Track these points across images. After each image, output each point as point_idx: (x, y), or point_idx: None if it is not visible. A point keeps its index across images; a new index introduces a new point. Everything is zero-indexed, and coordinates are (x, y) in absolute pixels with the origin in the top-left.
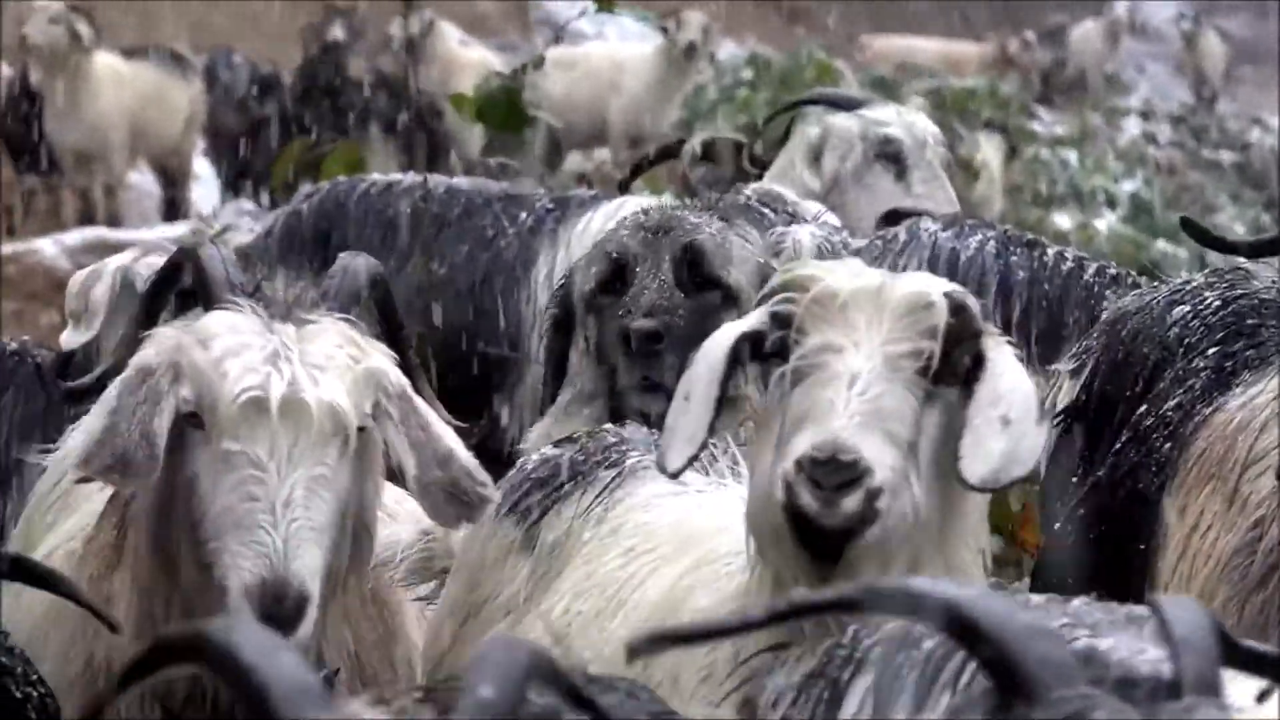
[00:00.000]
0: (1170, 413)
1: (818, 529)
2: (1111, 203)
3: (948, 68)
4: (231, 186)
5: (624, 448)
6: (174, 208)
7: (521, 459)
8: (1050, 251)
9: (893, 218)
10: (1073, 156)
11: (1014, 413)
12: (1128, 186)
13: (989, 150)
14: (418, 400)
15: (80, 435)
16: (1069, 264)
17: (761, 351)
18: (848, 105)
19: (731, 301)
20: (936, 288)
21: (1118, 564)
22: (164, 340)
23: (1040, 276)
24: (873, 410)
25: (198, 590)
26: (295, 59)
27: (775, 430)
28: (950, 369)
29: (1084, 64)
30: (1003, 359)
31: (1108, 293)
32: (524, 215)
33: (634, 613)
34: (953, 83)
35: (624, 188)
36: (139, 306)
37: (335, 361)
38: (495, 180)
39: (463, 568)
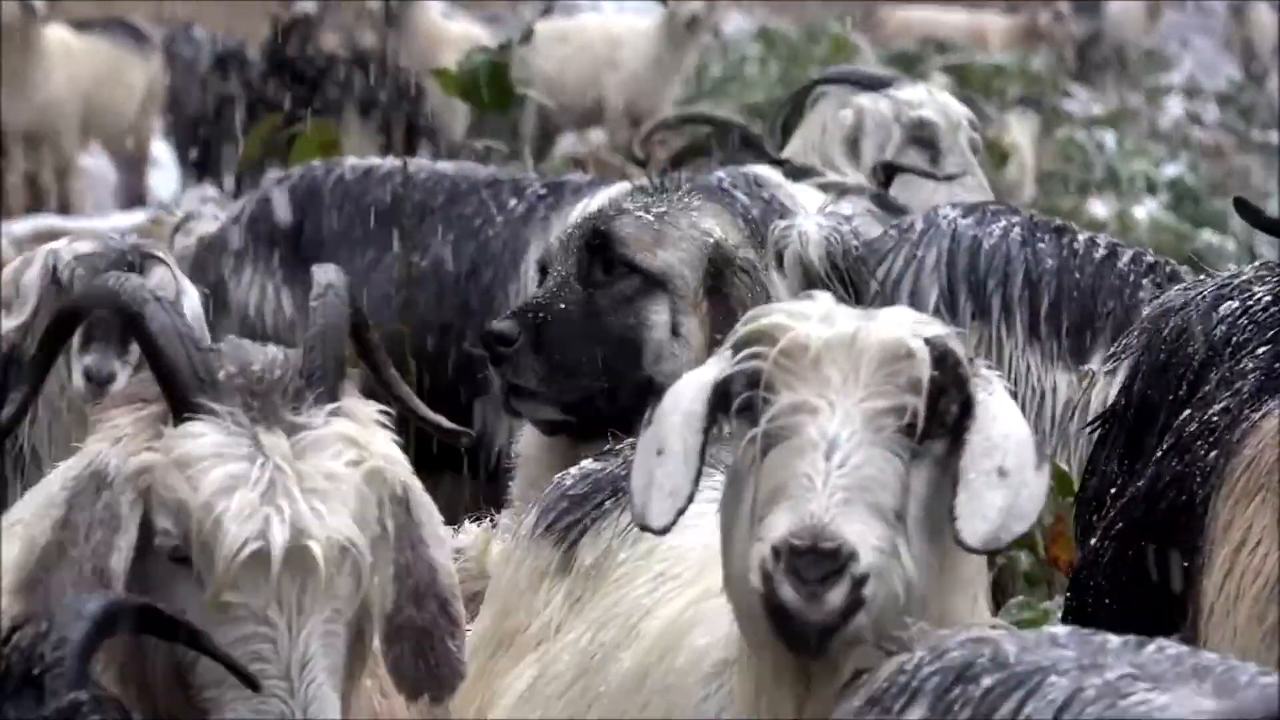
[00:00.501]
0: (1216, 418)
1: (800, 624)
2: (1152, 189)
3: (973, 42)
4: (193, 171)
5: None
6: (131, 194)
7: (559, 475)
8: (1081, 238)
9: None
10: (1110, 138)
11: (1010, 462)
12: (1170, 171)
13: (1019, 132)
14: (418, 500)
15: (15, 545)
16: (1101, 251)
17: (727, 404)
18: (874, 85)
19: (657, 286)
20: (916, 333)
21: (1159, 583)
22: (125, 445)
23: (1070, 265)
24: (854, 484)
25: None
26: (262, 32)
27: (748, 498)
28: (937, 419)
29: (1122, 37)
30: (994, 402)
31: (1144, 282)
32: (513, 202)
33: (639, 644)
34: (979, 58)
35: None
36: (29, 375)
37: (338, 481)
38: (481, 164)
39: (496, 594)
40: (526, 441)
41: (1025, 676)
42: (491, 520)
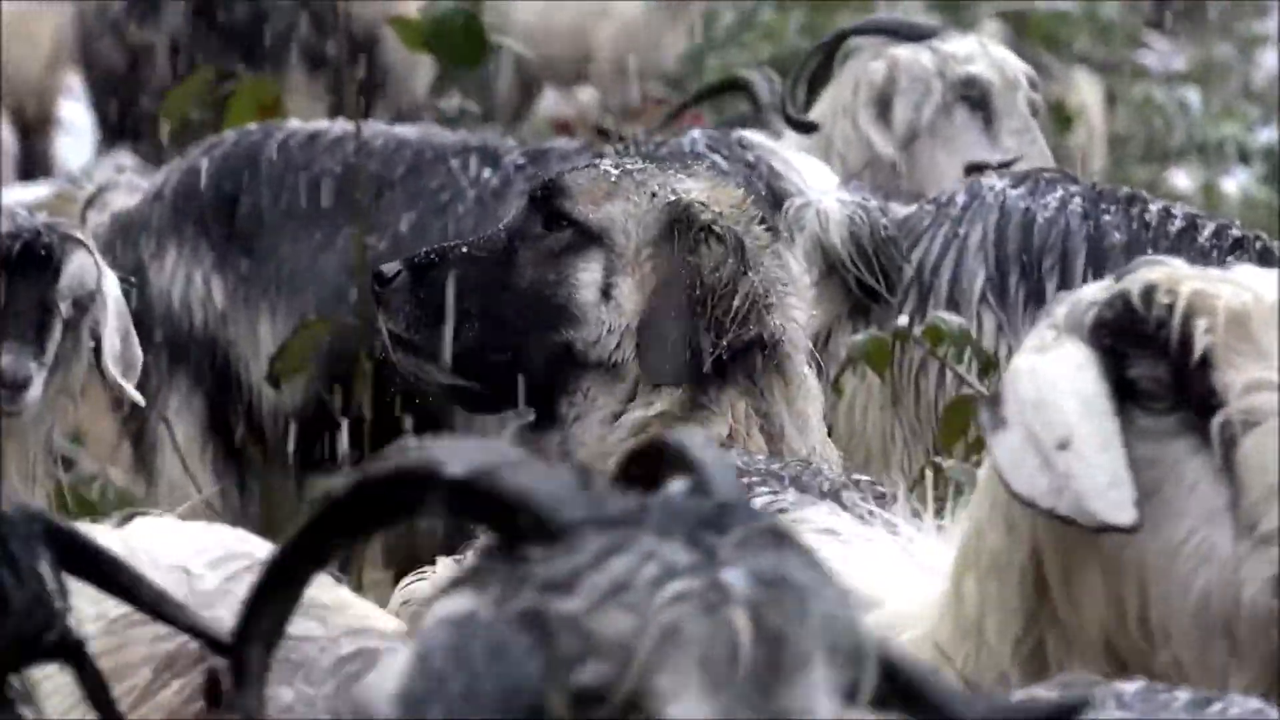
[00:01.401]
0: None
1: None
2: (1244, 156)
3: None
4: (109, 136)
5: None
6: (34, 163)
7: None
8: (1153, 208)
9: (977, 172)
10: (1194, 98)
11: None
12: (1265, 136)
13: (1087, 91)
14: None
15: None
16: (1178, 223)
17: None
18: (914, 35)
19: (592, 241)
20: None
21: None
22: None
23: (1142, 239)
24: None
25: None
26: None
27: (1210, 496)
28: None
29: None
30: None
31: (1229, 259)
32: (488, 173)
33: None
34: (1039, 5)
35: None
36: None
37: None
38: (450, 128)
39: None
40: None
41: None
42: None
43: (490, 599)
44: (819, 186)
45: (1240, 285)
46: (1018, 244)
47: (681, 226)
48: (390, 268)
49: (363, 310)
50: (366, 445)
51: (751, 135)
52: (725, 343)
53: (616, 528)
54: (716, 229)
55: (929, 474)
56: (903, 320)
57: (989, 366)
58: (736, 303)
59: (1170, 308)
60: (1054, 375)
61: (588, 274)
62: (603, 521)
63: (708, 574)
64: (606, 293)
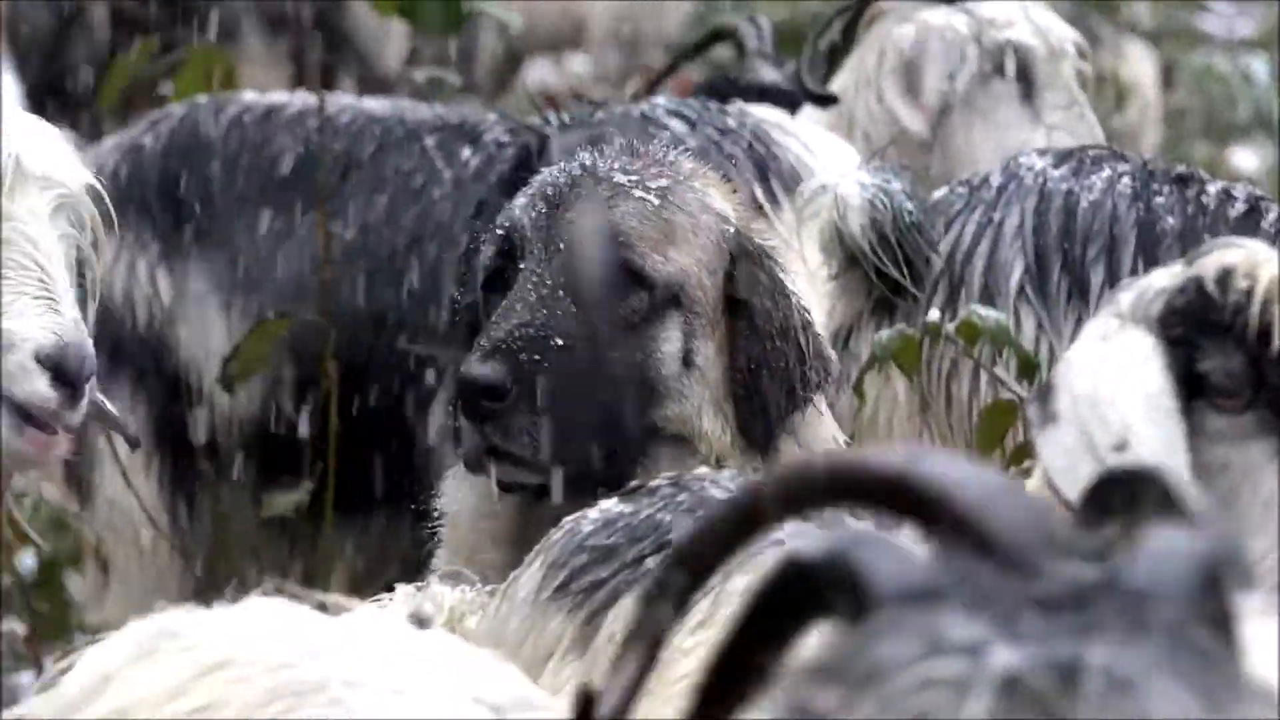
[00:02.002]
0: None
1: None
2: None
3: None
4: (37, 109)
5: None
6: None
7: (572, 520)
8: (1212, 190)
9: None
10: (1261, 68)
11: None
12: None
13: (1141, 61)
14: None
15: None
16: (1239, 206)
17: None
18: None
19: (670, 305)
20: None
21: None
22: None
23: (1198, 225)
24: None
25: None
26: None
27: None
28: None
29: None
30: None
31: None
32: (467, 152)
33: None
34: None
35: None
36: None
37: None
38: (425, 102)
39: None
40: (457, 496)
41: None
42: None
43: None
44: (836, 166)
45: None
46: (1059, 230)
47: (742, 261)
48: (496, 379)
49: (325, 306)
50: (331, 457)
51: (755, 108)
52: (812, 387)
53: (922, 602)
54: (766, 251)
55: None
56: (933, 315)
57: (1028, 367)
58: (810, 339)
59: (1249, 293)
60: (1114, 367)
61: (669, 344)
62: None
63: (984, 660)
64: (688, 361)
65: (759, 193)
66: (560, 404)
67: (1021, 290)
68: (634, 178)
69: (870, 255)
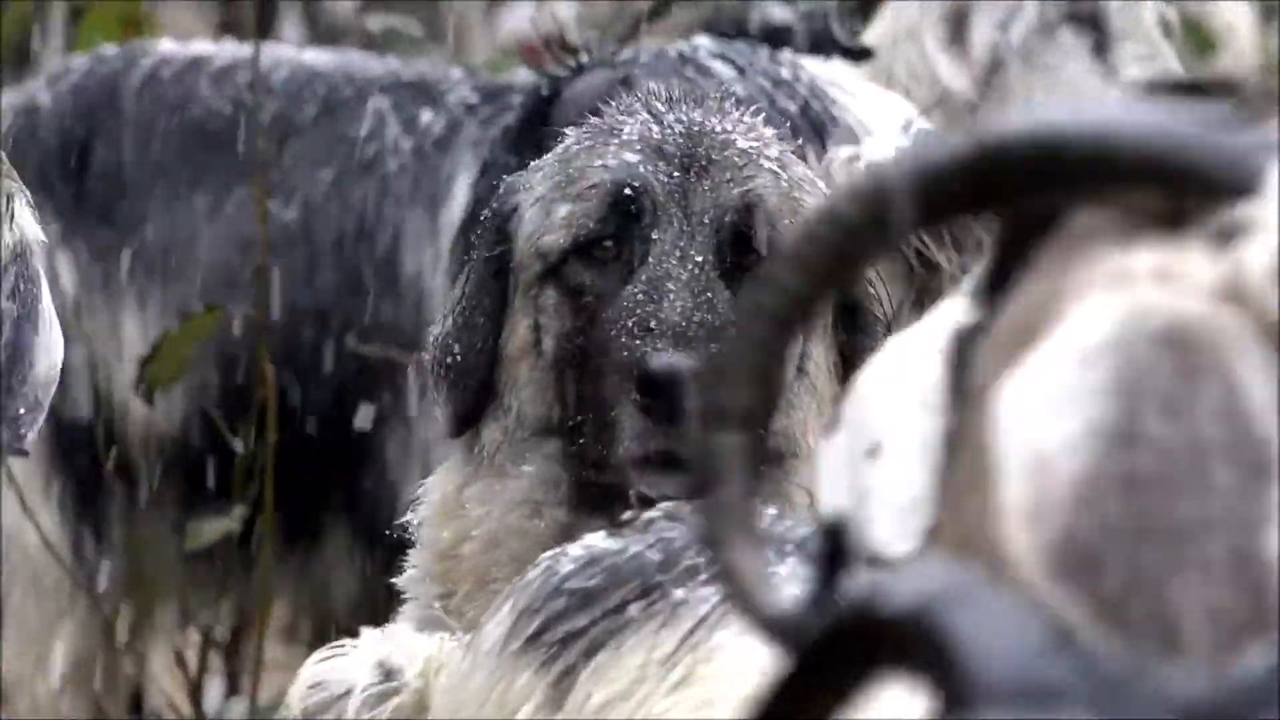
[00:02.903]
0: None
1: None
2: None
3: None
4: None
5: None
6: None
7: (548, 556)
8: None
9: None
10: None
11: None
12: None
13: (1234, 5)
14: None
15: None
16: None
17: None
18: None
19: None
20: None
21: None
22: None
23: None
24: None
25: None
26: None
27: None
28: None
29: None
30: None
31: None
32: (428, 115)
33: None
34: None
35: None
36: None
37: None
38: (378, 55)
39: None
40: (435, 500)
41: None
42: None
43: None
44: (877, 129)
45: None
46: None
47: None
48: (683, 368)
49: (262, 298)
50: (268, 477)
51: (806, 59)
52: None
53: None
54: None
55: None
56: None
57: None
58: None
59: None
60: (891, 360)
61: (793, 345)
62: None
63: None
64: (801, 366)
65: (814, 161)
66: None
67: None
68: (754, 143)
69: (913, 237)
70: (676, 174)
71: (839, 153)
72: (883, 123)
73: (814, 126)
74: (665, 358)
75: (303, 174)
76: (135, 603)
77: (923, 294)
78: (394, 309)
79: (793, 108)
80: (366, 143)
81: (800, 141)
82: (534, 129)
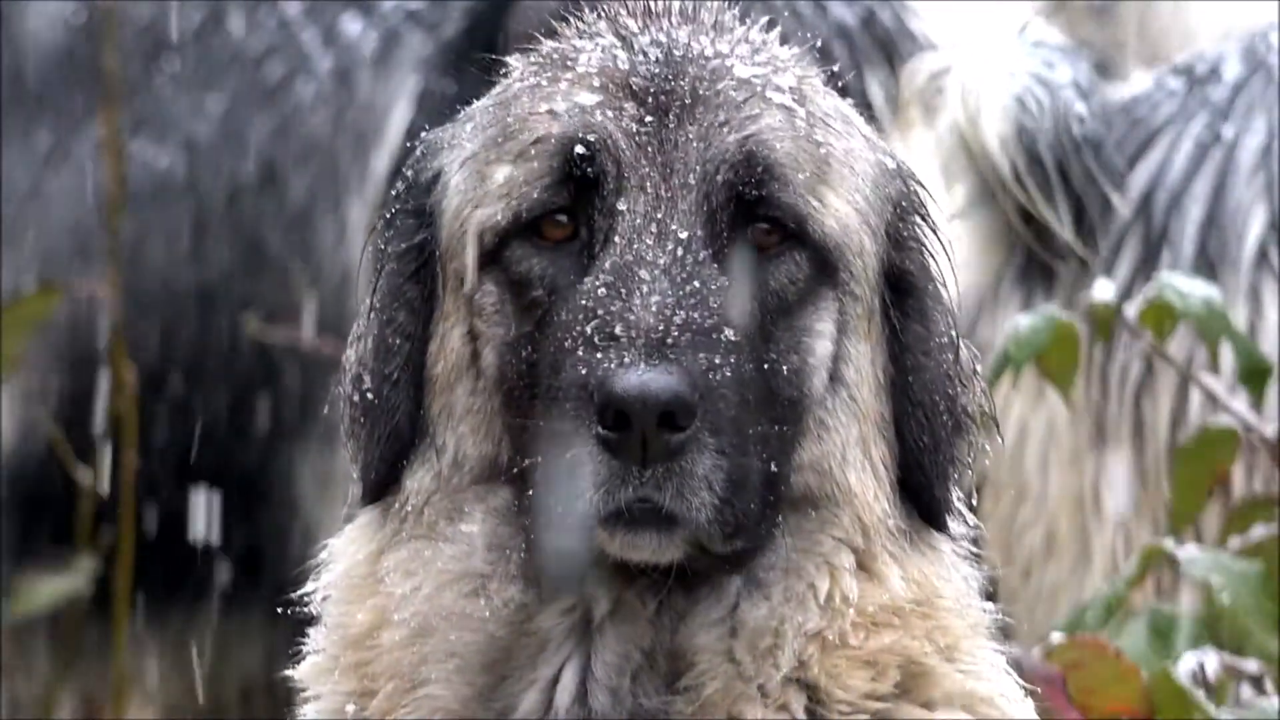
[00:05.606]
0: None
1: None
2: None
3: None
4: None
5: None
6: None
7: None
8: None
9: None
10: None
11: None
12: None
13: None
14: None
15: None
16: None
17: None
18: None
19: (823, 279)
20: None
21: None
22: None
23: None
24: None
25: None
26: None
27: None
28: None
29: None
30: None
31: None
32: (356, 28)
33: None
34: None
35: None
36: None
37: None
38: None
39: None
40: (344, 567)
41: None
42: None
43: None
44: (973, 39)
45: None
46: None
47: (912, 224)
48: (680, 388)
49: (115, 271)
50: (127, 515)
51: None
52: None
53: None
54: (927, 199)
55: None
56: (1106, 290)
57: (1255, 373)
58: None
59: None
60: None
61: (821, 344)
62: None
63: None
64: (835, 373)
65: (878, 90)
66: (742, 437)
67: (1262, 253)
68: (759, 70)
69: (1015, 185)
70: (650, 119)
71: (924, 65)
72: (978, 29)
73: (879, 43)
74: (635, 376)
75: (181, 108)
76: None
77: (1029, 268)
78: (307, 284)
79: (851, 19)
80: (268, 63)
81: (839, 65)
82: (477, 47)
